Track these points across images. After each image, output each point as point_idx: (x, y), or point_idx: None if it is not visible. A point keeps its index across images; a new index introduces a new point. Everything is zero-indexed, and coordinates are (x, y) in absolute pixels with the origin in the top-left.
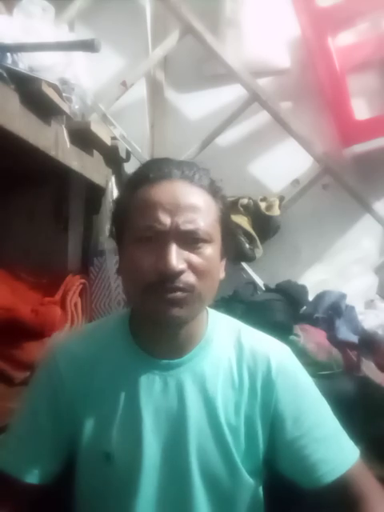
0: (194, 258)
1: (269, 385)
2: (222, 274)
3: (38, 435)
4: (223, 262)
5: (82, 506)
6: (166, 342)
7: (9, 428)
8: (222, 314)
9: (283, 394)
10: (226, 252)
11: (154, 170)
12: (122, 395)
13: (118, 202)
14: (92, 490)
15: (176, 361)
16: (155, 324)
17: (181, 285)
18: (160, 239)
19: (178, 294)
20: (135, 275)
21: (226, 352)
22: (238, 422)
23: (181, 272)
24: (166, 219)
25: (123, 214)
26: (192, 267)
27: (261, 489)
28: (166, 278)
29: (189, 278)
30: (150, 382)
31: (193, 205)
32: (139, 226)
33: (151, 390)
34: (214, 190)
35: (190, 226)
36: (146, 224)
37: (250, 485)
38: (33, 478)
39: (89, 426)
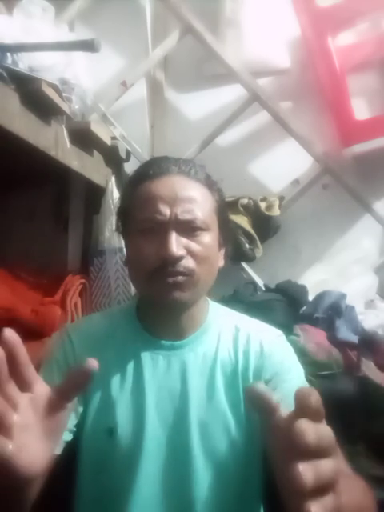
0: (193, 245)
1: (260, 362)
2: (221, 262)
3: None
4: (222, 251)
5: (84, 482)
6: (170, 324)
7: None
8: (222, 306)
9: (270, 368)
10: (224, 242)
11: (154, 167)
12: (128, 374)
13: (121, 199)
14: (94, 465)
15: (179, 342)
16: (159, 307)
17: (181, 269)
18: (161, 229)
19: (179, 278)
20: (139, 263)
21: (224, 335)
22: (237, 398)
23: (181, 257)
24: (165, 210)
25: (127, 208)
26: (191, 253)
27: (261, 465)
28: (168, 263)
29: (188, 262)
30: (154, 362)
31: (190, 197)
32: (141, 218)
33: (155, 370)
34: (209, 184)
35: (187, 216)
36: (148, 216)
37: (250, 460)
38: None
39: (95, 402)
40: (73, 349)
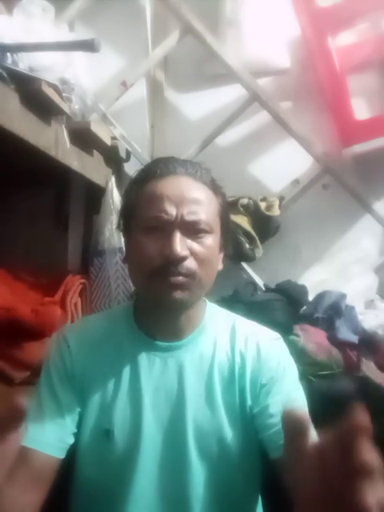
0: (196, 247)
1: (257, 366)
2: (220, 266)
3: (59, 408)
4: (221, 255)
5: (81, 483)
6: (167, 325)
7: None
8: (220, 307)
9: (266, 372)
10: (224, 246)
11: (161, 167)
12: (125, 376)
13: (126, 196)
14: (92, 466)
15: (176, 343)
16: (159, 307)
17: (184, 270)
18: (166, 228)
19: (181, 278)
20: (142, 261)
21: (221, 337)
22: (233, 399)
23: (184, 258)
24: (171, 210)
25: (131, 206)
26: (194, 255)
27: (258, 463)
28: (171, 263)
29: (191, 264)
30: (151, 363)
31: (196, 198)
32: (147, 216)
33: (151, 371)
34: (214, 187)
35: (193, 217)
36: (154, 214)
37: (246, 459)
38: (60, 452)
39: (92, 404)
40: (70, 352)
